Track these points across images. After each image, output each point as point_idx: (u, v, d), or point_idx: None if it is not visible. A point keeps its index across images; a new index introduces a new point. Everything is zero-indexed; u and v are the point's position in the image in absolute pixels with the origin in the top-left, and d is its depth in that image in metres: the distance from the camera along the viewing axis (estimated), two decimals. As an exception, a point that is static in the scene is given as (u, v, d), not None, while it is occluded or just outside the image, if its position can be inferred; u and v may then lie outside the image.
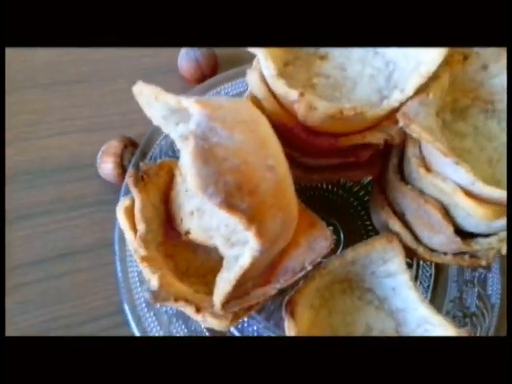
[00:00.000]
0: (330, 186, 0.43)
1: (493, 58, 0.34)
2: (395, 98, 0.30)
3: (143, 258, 0.30)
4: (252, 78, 0.32)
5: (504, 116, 0.36)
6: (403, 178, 0.36)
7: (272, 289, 0.29)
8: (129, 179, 0.31)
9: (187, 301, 0.28)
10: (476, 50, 0.34)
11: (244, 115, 0.25)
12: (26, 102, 0.42)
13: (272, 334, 0.39)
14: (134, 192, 0.31)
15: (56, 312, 0.35)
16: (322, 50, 0.36)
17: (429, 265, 0.43)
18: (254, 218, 0.23)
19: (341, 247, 0.42)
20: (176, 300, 0.27)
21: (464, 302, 0.41)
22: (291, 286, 0.33)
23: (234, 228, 0.30)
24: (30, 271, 0.36)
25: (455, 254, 0.37)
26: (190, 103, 0.25)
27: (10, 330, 0.34)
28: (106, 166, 0.39)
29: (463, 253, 0.37)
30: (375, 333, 0.37)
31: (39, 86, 0.44)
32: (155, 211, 0.33)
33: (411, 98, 0.30)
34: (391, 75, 0.34)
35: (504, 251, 0.36)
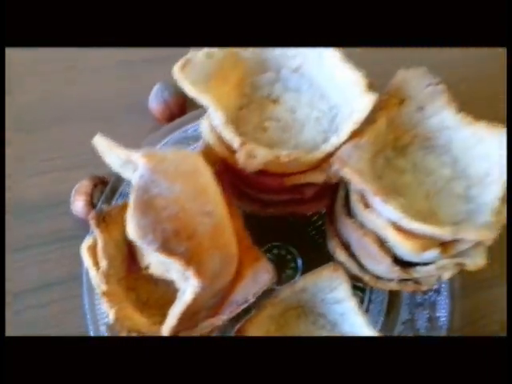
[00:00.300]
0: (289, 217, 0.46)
1: (428, 100, 0.38)
2: (331, 143, 0.34)
3: (104, 293, 0.33)
4: (204, 126, 0.35)
5: (443, 151, 0.39)
6: (349, 210, 0.38)
7: (218, 320, 0.31)
8: (91, 221, 0.34)
9: (140, 333, 0.30)
10: (411, 93, 0.37)
11: (186, 167, 0.28)
12: (8, 144, 0.46)
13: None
14: (96, 232, 0.34)
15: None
16: (275, 94, 0.39)
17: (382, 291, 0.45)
18: (191, 259, 0.27)
19: (299, 274, 0.44)
20: (129, 332, 0.30)
21: (415, 323, 0.44)
22: (244, 313, 0.36)
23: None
24: (7, 303, 0.39)
25: (400, 281, 0.40)
26: (137, 157, 0.28)
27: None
28: (78, 204, 0.42)
29: (407, 279, 0.40)
30: (328, 356, 0.39)
31: (20, 129, 0.47)
32: (117, 248, 0.35)
33: (346, 142, 0.34)
34: (334, 118, 0.37)
35: (445, 277, 0.39)
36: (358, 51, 0.57)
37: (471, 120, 0.37)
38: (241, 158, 0.31)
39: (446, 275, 0.38)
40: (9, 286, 0.40)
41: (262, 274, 0.32)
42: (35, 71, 0.51)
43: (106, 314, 0.39)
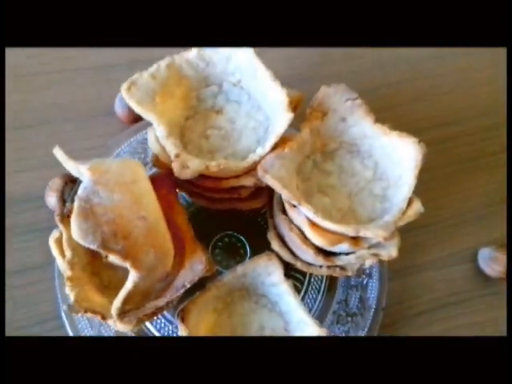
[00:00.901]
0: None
1: (348, 112, 0.43)
2: (257, 153, 0.39)
3: (68, 278, 0.39)
4: (150, 137, 0.41)
5: (366, 155, 0.44)
6: (283, 208, 0.44)
7: (161, 301, 0.38)
8: (56, 217, 0.40)
9: (94, 312, 0.37)
10: (333, 107, 0.42)
11: (126, 177, 0.34)
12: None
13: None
14: (61, 227, 0.40)
15: (12, 316, 0.45)
16: (218, 106, 0.44)
17: (321, 273, 0.51)
18: (128, 255, 0.33)
19: (247, 259, 0.51)
20: (85, 312, 0.37)
21: (348, 303, 0.50)
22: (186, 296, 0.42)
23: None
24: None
25: (328, 267, 0.46)
26: (84, 169, 0.34)
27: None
28: (51, 200, 0.48)
29: (335, 266, 0.46)
30: (267, 331, 0.46)
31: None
32: (81, 240, 0.42)
33: (271, 152, 0.39)
34: (268, 128, 0.43)
35: (367, 265, 0.45)
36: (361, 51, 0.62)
37: (386, 130, 0.42)
38: (175, 167, 0.36)
39: (367, 263, 0.44)
40: None
41: (196, 265, 0.38)
42: (15, 74, 0.56)
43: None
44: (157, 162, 0.41)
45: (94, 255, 0.43)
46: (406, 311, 0.52)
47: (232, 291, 0.46)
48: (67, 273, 0.39)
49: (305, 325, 0.44)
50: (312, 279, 0.51)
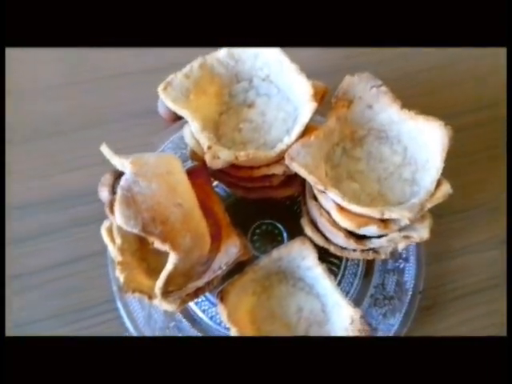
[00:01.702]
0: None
1: (374, 99, 0.44)
2: (284, 142, 0.41)
3: (118, 263, 0.43)
4: (186, 132, 0.44)
5: (395, 141, 0.45)
6: (315, 196, 0.46)
7: (200, 282, 0.41)
8: (105, 208, 0.44)
9: (142, 292, 0.41)
10: (358, 95, 0.43)
11: (162, 169, 0.38)
12: (46, 147, 0.58)
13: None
14: (110, 217, 0.44)
15: (69, 300, 0.50)
16: (249, 100, 0.47)
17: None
18: (166, 238, 0.36)
19: (283, 245, 0.53)
20: (133, 292, 0.41)
21: (385, 287, 0.51)
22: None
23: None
24: (50, 271, 0.52)
25: (362, 251, 0.47)
26: (126, 163, 0.38)
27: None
28: (103, 194, 0.52)
29: (368, 250, 0.47)
30: (305, 312, 0.48)
31: (57, 133, 0.59)
32: (129, 229, 0.46)
33: (297, 140, 0.41)
34: (296, 118, 0.45)
35: (401, 248, 0.46)
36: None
37: (413, 115, 0.43)
38: (207, 158, 0.39)
39: (400, 246, 0.45)
40: (48, 259, 0.53)
41: (231, 248, 0.41)
42: (68, 81, 0.62)
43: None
44: (193, 155, 0.45)
45: (142, 242, 0.47)
46: (445, 295, 0.52)
47: (269, 275, 0.49)
48: (118, 258, 0.43)
49: (340, 307, 0.45)
50: (348, 264, 0.52)
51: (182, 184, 0.38)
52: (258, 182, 0.46)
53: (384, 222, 0.41)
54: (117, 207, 0.35)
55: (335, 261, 0.52)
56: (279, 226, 0.53)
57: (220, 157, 0.39)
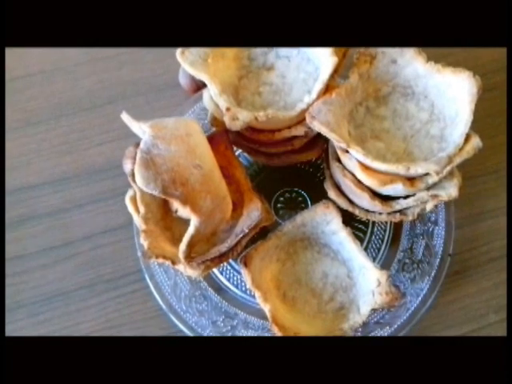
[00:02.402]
0: (299, 165, 0.54)
1: (397, 53, 0.42)
2: (305, 101, 0.40)
3: (143, 231, 0.43)
4: (205, 97, 0.44)
5: (421, 97, 0.44)
6: (338, 157, 0.45)
7: (223, 247, 0.41)
8: (129, 177, 0.45)
9: (165, 257, 0.41)
10: (381, 49, 0.42)
11: (181, 131, 0.37)
12: (73, 124, 0.59)
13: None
14: (134, 186, 0.45)
15: (98, 271, 0.51)
16: (269, 63, 0.46)
17: (384, 223, 0.52)
18: (187, 200, 0.36)
19: (307, 211, 0.52)
20: (157, 257, 0.41)
21: (413, 251, 0.49)
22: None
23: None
24: (81, 243, 0.53)
25: (389, 214, 0.46)
26: (145, 127, 0.38)
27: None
28: (127, 166, 0.53)
29: (395, 212, 0.46)
30: (330, 278, 0.47)
31: (82, 110, 0.60)
32: (152, 198, 0.46)
33: (318, 99, 0.40)
34: (317, 78, 0.44)
35: (428, 208, 0.44)
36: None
37: (440, 67, 0.41)
38: (226, 120, 0.39)
39: (429, 206, 0.44)
40: (78, 231, 0.54)
41: (253, 211, 0.41)
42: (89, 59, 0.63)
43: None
44: (213, 120, 0.44)
45: (165, 212, 0.47)
46: (477, 258, 0.50)
47: (294, 241, 0.48)
48: (142, 226, 0.44)
49: (366, 270, 0.45)
50: (375, 230, 0.51)
51: (201, 145, 0.38)
52: (280, 146, 0.45)
53: (410, 180, 0.40)
54: (136, 170, 0.35)
55: (361, 226, 0.51)
56: (303, 193, 0.53)
57: (239, 118, 0.39)
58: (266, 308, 0.42)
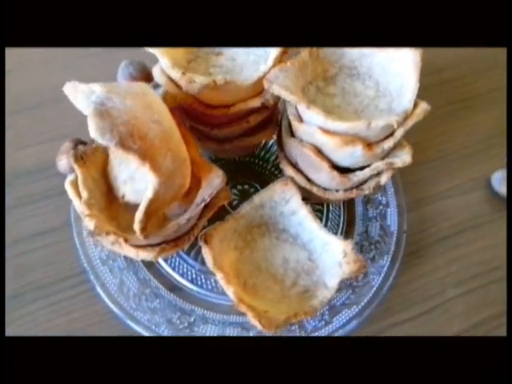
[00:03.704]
0: (249, 159, 0.53)
1: (343, 33, 0.44)
2: (261, 70, 0.40)
3: (86, 215, 0.39)
4: (156, 71, 0.42)
5: (366, 77, 0.46)
6: (292, 133, 0.45)
7: (182, 219, 0.37)
8: (70, 158, 0.40)
9: (116, 234, 0.37)
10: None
11: (135, 89, 0.35)
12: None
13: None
14: (75, 167, 0.40)
15: (33, 276, 0.45)
16: (217, 49, 0.46)
17: (338, 209, 0.51)
18: (145, 155, 0.33)
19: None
20: (107, 234, 0.36)
21: (369, 234, 0.49)
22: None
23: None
24: (10, 249, 0.46)
25: (345, 190, 0.46)
26: (96, 86, 0.35)
27: None
28: (62, 163, 0.48)
29: (351, 188, 0.46)
30: (291, 263, 0.45)
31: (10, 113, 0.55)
32: (95, 183, 0.41)
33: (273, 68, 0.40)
34: (267, 58, 0.44)
35: (383, 181, 0.45)
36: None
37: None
38: (183, 83, 0.37)
39: (383, 179, 0.44)
40: (9, 235, 0.47)
41: (214, 179, 0.38)
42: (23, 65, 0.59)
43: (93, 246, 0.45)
44: (166, 97, 0.42)
45: (110, 201, 0.43)
46: (428, 238, 0.51)
47: (251, 227, 0.46)
48: (85, 212, 0.39)
49: (330, 245, 0.43)
50: (330, 215, 0.51)
51: (158, 104, 0.36)
52: (235, 125, 0.44)
53: (369, 145, 0.40)
54: (90, 119, 0.31)
55: (317, 213, 0.50)
56: (255, 184, 0.51)
57: (196, 81, 0.37)
58: (230, 290, 0.39)
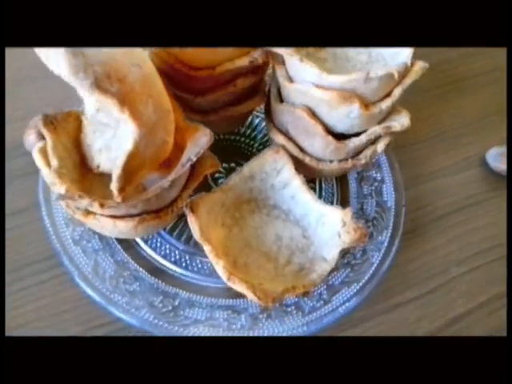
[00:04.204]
0: (234, 137, 0.50)
1: None
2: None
3: (55, 183, 0.34)
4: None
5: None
6: (282, 101, 0.42)
7: (166, 182, 0.33)
8: (39, 121, 0.36)
9: (91, 198, 0.32)
10: None
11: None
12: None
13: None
14: (44, 132, 0.36)
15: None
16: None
17: (331, 186, 0.48)
18: (124, 100, 0.29)
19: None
20: (80, 197, 0.32)
21: (365, 211, 0.46)
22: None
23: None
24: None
25: (340, 161, 0.43)
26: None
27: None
28: (29, 138, 0.44)
29: (347, 158, 0.43)
30: (285, 240, 0.41)
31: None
32: (67, 152, 0.37)
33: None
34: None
35: (379, 149, 0.42)
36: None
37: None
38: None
39: (380, 146, 0.42)
40: None
41: (201, 138, 0.35)
42: None
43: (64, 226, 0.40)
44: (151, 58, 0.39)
45: (83, 174, 0.39)
46: (425, 217, 0.48)
47: (240, 203, 0.42)
48: (56, 181, 0.35)
49: (326, 217, 0.40)
50: (323, 193, 0.47)
51: (140, 52, 0.32)
52: (221, 90, 0.40)
53: (366, 105, 0.38)
54: (61, 56, 0.28)
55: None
56: (242, 162, 0.48)
57: None
58: (220, 264, 0.35)
